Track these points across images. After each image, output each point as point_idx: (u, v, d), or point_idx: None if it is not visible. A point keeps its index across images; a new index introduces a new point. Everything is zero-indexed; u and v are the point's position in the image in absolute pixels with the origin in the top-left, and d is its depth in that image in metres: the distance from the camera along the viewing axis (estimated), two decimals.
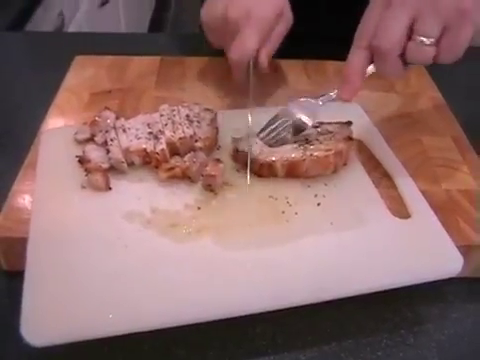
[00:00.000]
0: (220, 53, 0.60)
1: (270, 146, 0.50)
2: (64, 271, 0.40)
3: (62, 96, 0.61)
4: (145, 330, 0.37)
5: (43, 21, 1.17)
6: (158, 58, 0.69)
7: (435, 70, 0.67)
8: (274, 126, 0.50)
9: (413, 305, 0.45)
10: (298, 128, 0.50)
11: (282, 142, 0.50)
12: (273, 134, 0.50)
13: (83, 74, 0.64)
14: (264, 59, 0.56)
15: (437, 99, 0.63)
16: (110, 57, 0.68)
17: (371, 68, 0.46)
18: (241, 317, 0.39)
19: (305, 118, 0.50)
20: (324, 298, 0.40)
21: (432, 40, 0.42)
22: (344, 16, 0.50)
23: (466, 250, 0.45)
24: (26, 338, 0.35)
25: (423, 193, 0.48)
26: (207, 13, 0.58)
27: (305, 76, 0.67)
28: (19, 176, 0.49)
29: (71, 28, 1.38)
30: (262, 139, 0.50)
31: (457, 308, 0.46)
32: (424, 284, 0.45)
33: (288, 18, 0.58)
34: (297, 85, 0.65)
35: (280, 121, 0.51)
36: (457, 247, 0.44)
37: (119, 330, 0.37)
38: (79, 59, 0.67)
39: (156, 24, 2.42)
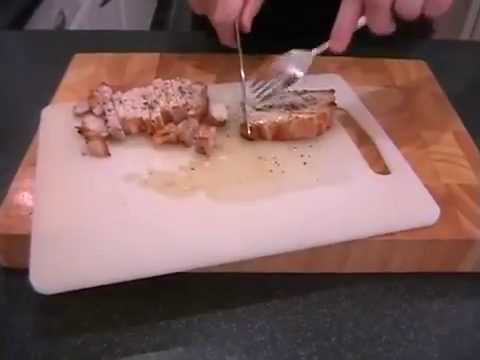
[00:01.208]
0: (219, 50, 0.61)
1: (262, 99, 0.53)
2: (69, 226, 0.42)
3: (61, 94, 0.61)
4: (145, 276, 0.40)
5: (43, 20, 1.17)
6: (157, 55, 0.69)
7: (436, 64, 0.67)
8: (269, 83, 0.53)
9: (413, 300, 0.44)
10: (289, 80, 0.52)
11: (273, 93, 0.53)
12: (265, 86, 0.53)
13: (82, 72, 0.64)
14: (247, 21, 0.57)
15: (438, 94, 0.63)
16: (109, 54, 0.68)
17: (362, 20, 0.48)
18: (240, 312, 0.42)
19: (296, 70, 0.52)
20: (310, 244, 0.43)
21: None
22: (330, 12, 0.50)
23: (467, 245, 0.44)
24: (35, 286, 0.38)
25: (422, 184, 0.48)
26: None
27: None
28: (18, 173, 0.49)
29: (72, 27, 1.38)
30: (255, 92, 0.53)
31: (458, 303, 0.44)
32: (423, 279, 0.46)
33: None
34: None
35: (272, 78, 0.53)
36: (458, 241, 0.44)
37: (121, 277, 0.39)
38: (78, 57, 0.67)
39: (158, 24, 2.43)
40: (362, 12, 0.47)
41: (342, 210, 0.45)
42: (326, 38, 0.50)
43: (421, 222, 0.45)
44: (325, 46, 0.50)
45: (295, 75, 0.52)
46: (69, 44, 0.76)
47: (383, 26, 0.46)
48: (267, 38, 0.59)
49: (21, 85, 0.68)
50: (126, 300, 0.43)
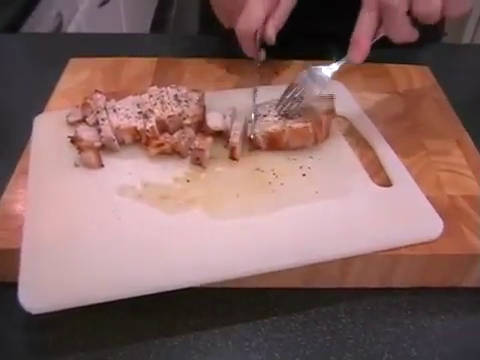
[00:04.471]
0: (220, 54, 0.61)
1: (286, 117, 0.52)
2: (60, 242, 0.42)
3: (55, 101, 0.59)
4: (138, 295, 0.39)
5: (41, 22, 1.15)
6: (154, 60, 0.67)
7: (439, 70, 0.65)
8: (288, 97, 0.52)
9: (415, 317, 0.43)
10: (308, 98, 0.51)
11: (295, 112, 0.52)
12: (286, 106, 0.52)
13: (77, 78, 0.63)
14: (271, 31, 0.56)
15: (441, 101, 0.61)
16: (105, 59, 0.67)
17: (382, 30, 0.47)
18: (237, 329, 0.41)
19: (315, 87, 0.51)
20: (310, 261, 0.41)
21: None
22: (345, 13, 0.49)
23: (470, 259, 0.43)
24: (24, 305, 0.37)
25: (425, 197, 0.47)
26: None
27: None
28: (10, 184, 0.48)
29: (70, 29, 1.36)
30: (278, 111, 0.52)
31: (462, 320, 0.43)
32: (426, 295, 0.45)
33: None
34: None
35: (292, 92, 0.52)
36: (461, 256, 0.43)
37: (114, 296, 0.38)
38: (73, 62, 0.66)
39: (158, 24, 2.41)
40: (380, 20, 0.46)
41: (342, 225, 0.43)
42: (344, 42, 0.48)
43: (424, 237, 0.43)
44: (345, 60, 0.49)
45: (313, 92, 0.51)
46: (65, 47, 0.75)
47: (401, 33, 0.45)
48: (282, 42, 0.58)
49: (16, 90, 0.67)
50: (119, 316, 0.42)
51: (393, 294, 0.44)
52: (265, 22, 0.56)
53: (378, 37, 0.47)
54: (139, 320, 0.42)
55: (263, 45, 0.58)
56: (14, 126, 0.60)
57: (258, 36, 0.56)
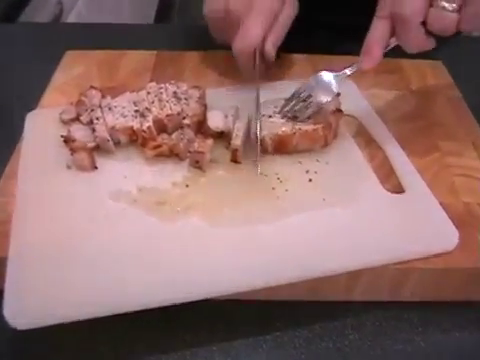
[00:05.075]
0: (225, 46, 0.58)
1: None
2: (48, 252, 0.40)
3: (49, 97, 0.57)
4: (130, 311, 0.37)
5: (40, 10, 1.12)
6: (154, 53, 0.65)
7: (453, 66, 0.63)
8: (292, 103, 0.50)
9: (427, 333, 0.41)
10: (316, 105, 0.49)
11: (302, 119, 0.49)
12: (294, 108, 0.50)
13: (73, 71, 0.61)
14: (271, 48, 0.54)
15: (456, 99, 0.58)
16: (102, 52, 0.65)
17: (393, 40, 0.46)
18: (237, 345, 0.39)
19: (323, 96, 0.49)
20: (315, 275, 0.39)
21: (454, 6, 0.41)
22: (361, 4, 0.49)
23: None
24: (8, 320, 0.35)
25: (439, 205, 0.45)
26: (208, 7, 0.58)
27: (310, 70, 0.62)
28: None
29: (71, 17, 1.33)
30: (285, 114, 0.50)
31: (477, 337, 0.41)
32: (439, 310, 0.42)
33: (292, 5, 0.57)
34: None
35: (298, 98, 0.50)
36: (477, 269, 0.41)
37: (104, 311, 0.36)
38: (69, 54, 0.64)
39: (163, 12, 2.37)
40: (393, 30, 0.45)
41: (350, 236, 0.41)
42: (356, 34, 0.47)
43: (438, 249, 0.41)
44: (355, 67, 0.48)
45: (321, 102, 0.49)
46: (63, 38, 0.73)
47: (415, 43, 0.44)
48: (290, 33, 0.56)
49: (9, 84, 0.65)
50: (112, 330, 0.40)
51: (403, 308, 0.42)
52: (263, 39, 0.54)
53: (392, 46, 0.46)
54: (133, 334, 0.40)
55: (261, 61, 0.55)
56: (6, 123, 0.57)
57: (257, 54, 0.53)
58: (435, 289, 0.42)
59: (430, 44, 0.44)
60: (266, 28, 0.54)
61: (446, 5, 0.41)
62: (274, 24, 0.55)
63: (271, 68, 0.57)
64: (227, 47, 0.55)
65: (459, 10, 0.41)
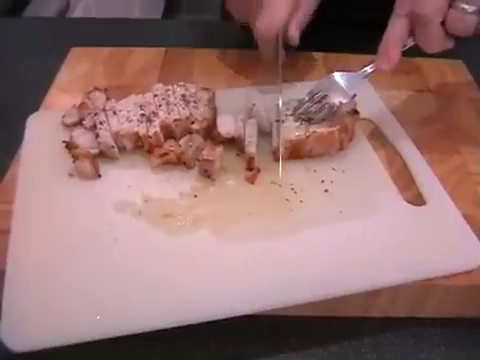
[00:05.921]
0: (236, 44, 0.57)
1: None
2: (48, 269, 0.38)
3: (53, 97, 0.55)
4: (134, 333, 0.35)
5: (46, 4, 1.10)
6: (162, 50, 0.63)
7: (475, 65, 0.61)
8: (306, 105, 0.48)
9: (448, 353, 0.39)
10: (331, 107, 0.47)
11: (316, 122, 0.47)
12: (304, 113, 0.48)
13: (78, 70, 0.59)
14: (294, 32, 0.52)
15: (477, 100, 0.56)
16: (108, 49, 0.63)
17: (410, 40, 0.45)
18: None
19: (340, 97, 0.47)
20: (330, 294, 0.37)
21: (474, 8, 0.41)
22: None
23: None
24: (6, 343, 0.33)
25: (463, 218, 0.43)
26: None
27: (325, 70, 0.60)
28: None
29: (77, 12, 1.30)
30: (297, 118, 0.48)
31: None
32: (461, 328, 0.40)
33: None
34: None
35: (312, 99, 0.48)
36: None
37: (107, 333, 0.35)
38: (75, 51, 0.62)
39: (172, 7, 2.34)
40: (411, 29, 0.44)
41: (368, 252, 0.39)
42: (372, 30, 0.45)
43: (461, 265, 0.39)
44: (373, 67, 0.46)
45: (337, 103, 0.46)
46: (69, 34, 0.71)
47: (434, 44, 0.43)
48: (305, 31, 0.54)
49: (12, 82, 0.63)
50: (115, 348, 0.38)
51: (424, 325, 0.40)
52: (288, 22, 0.51)
53: (409, 45, 0.45)
54: (138, 352, 0.38)
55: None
56: (8, 124, 0.55)
57: (280, 37, 0.51)
58: (458, 306, 0.40)
59: (449, 44, 0.44)
60: (291, 12, 0.52)
61: (466, 7, 0.41)
62: (298, 8, 0.53)
63: (289, 57, 0.55)
64: (239, 42, 0.53)
65: (479, 12, 0.41)
